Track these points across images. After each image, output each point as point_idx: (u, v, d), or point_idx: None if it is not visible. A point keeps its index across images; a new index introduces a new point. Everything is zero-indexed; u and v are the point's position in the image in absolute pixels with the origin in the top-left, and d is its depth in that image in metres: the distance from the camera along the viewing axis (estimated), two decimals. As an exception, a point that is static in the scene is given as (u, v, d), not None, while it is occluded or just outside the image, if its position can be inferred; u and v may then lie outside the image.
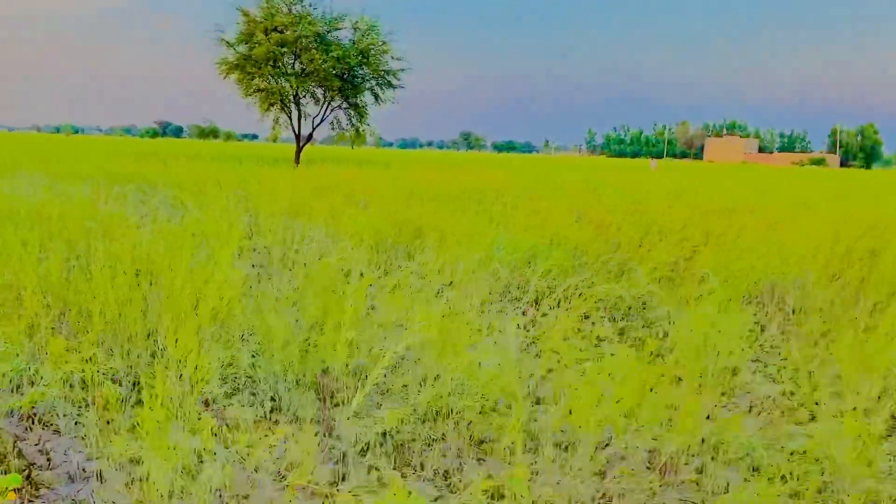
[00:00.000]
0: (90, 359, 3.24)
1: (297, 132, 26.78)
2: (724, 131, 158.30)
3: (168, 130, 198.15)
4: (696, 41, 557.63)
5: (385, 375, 4.08)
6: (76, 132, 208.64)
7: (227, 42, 24.83)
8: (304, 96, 25.88)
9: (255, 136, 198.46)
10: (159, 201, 9.90)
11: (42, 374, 3.15)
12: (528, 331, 5.21)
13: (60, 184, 12.55)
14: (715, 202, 13.22)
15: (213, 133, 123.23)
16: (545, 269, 5.87)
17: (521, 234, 7.08)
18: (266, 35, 23.68)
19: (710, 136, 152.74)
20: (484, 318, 4.58)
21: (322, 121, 26.84)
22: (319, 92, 25.83)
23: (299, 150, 26.64)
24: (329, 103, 26.44)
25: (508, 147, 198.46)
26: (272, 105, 25.42)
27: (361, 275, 4.55)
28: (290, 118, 26.51)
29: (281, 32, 23.84)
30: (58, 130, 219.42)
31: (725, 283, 5.08)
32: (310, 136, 27.17)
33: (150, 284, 4.76)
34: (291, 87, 24.78)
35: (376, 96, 26.32)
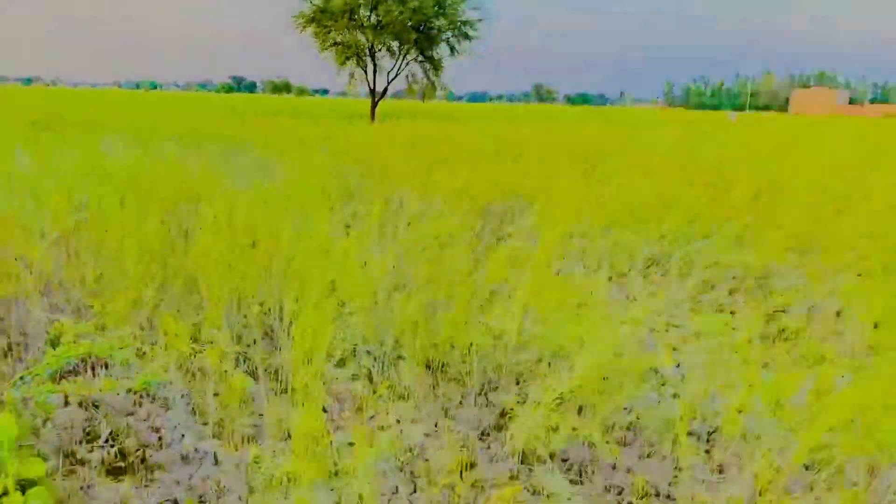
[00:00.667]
0: (202, 339, 3.08)
1: (372, 87, 26.50)
2: (812, 82, 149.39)
3: (242, 86, 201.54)
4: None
5: (495, 349, 3.81)
6: (154, 88, 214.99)
7: (305, -6, 24.57)
8: (380, 50, 25.48)
9: (325, 91, 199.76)
10: (246, 161, 9.83)
11: (153, 354, 3.00)
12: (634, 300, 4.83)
13: (146, 143, 12.69)
14: (817, 159, 12.31)
15: (285, 88, 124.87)
16: (659, 235, 5.44)
17: (624, 195, 6.63)
18: (344, -14, 23.29)
19: (796, 88, 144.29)
20: (609, 291, 4.22)
21: (397, 75, 26.45)
22: (395, 45, 25.39)
23: (374, 105, 26.39)
24: (404, 57, 25.99)
25: (582, 99, 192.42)
26: (348, 59, 25.14)
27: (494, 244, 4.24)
28: (365, 72, 26.22)
29: (358, -17, 23.45)
30: (137, 86, 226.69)
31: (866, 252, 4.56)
32: (384, 91, 26.82)
33: (252, 246, 4.62)
34: (367, 40, 24.43)
35: (452, 48, 25.70)
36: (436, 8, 24.27)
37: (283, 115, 25.53)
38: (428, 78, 26.49)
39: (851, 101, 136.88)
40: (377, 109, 26.46)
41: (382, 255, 4.43)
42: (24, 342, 3.64)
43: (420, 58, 26.08)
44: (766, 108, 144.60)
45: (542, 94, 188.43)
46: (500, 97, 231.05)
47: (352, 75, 26.10)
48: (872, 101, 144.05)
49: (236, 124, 18.05)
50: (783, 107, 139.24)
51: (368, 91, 26.70)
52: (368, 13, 24.45)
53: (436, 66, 26.10)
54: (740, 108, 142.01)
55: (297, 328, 2.87)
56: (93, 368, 3.54)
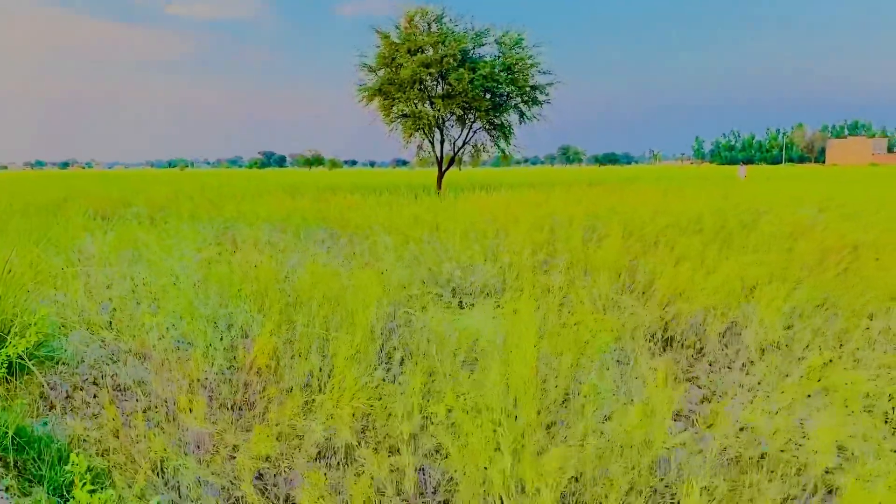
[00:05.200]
0: None
1: (440, 157, 25.28)
2: (846, 132, 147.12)
3: (272, 160, 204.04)
4: (810, 36, 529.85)
5: None
6: (186, 166, 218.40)
7: (370, 67, 23.59)
8: (449, 119, 24.32)
9: (354, 163, 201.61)
10: (385, 252, 8.33)
11: None
12: None
13: (245, 229, 11.32)
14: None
15: (317, 161, 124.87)
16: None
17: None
18: (411, 55, 22.27)
19: (831, 138, 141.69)
20: None
21: (465, 143, 25.21)
22: (463, 114, 24.19)
23: (441, 175, 25.09)
24: (471, 125, 24.79)
25: (610, 159, 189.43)
26: (417, 130, 23.93)
27: None
28: (431, 143, 25.04)
29: (424, 52, 22.44)
30: (170, 165, 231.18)
31: None
32: (452, 161, 25.49)
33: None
34: (436, 109, 23.24)
35: (522, 114, 24.44)
36: (505, 74, 23.18)
37: (349, 190, 24.28)
38: (497, 145, 25.20)
39: (890, 150, 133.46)
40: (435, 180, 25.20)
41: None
42: None
43: (487, 125, 24.83)
44: (802, 159, 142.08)
45: (569, 156, 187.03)
46: (525, 161, 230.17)
47: (419, 147, 24.94)
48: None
49: (318, 204, 16.76)
50: (820, 158, 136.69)
51: (435, 161, 25.44)
52: (436, 83, 23.40)
53: (505, 133, 24.80)
54: (775, 161, 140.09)
55: None
56: None
